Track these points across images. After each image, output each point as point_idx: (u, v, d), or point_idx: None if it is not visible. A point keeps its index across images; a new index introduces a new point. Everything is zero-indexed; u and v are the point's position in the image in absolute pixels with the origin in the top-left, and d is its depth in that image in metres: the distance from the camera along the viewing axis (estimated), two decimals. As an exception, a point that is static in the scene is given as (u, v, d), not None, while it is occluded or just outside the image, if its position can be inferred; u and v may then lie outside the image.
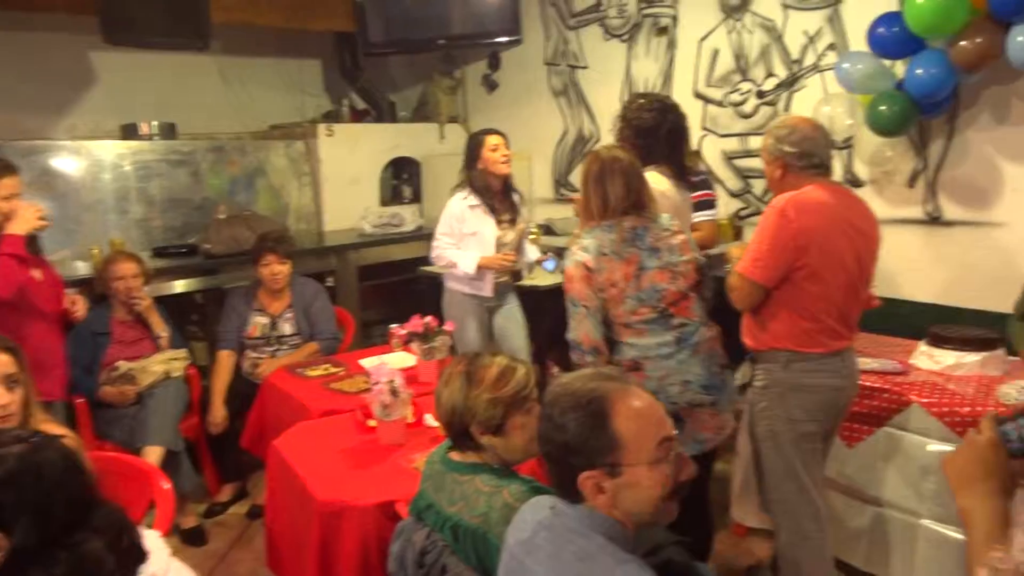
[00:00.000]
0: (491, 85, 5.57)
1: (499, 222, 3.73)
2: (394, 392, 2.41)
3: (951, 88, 3.21)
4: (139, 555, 1.39)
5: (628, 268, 2.44)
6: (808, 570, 2.53)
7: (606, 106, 4.84)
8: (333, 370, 3.30)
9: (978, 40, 3.02)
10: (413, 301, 5.02)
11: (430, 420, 2.63)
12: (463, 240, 3.72)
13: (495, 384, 1.76)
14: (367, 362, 3.32)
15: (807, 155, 2.45)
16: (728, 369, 2.61)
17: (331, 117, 5.60)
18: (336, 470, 2.32)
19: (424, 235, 5.25)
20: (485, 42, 5.32)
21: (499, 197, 3.74)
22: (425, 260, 5.14)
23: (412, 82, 6.11)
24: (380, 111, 5.71)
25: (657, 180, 2.99)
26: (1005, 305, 3.22)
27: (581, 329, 2.46)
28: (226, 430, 3.59)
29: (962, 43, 3.05)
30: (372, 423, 2.58)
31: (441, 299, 3.96)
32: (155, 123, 4.73)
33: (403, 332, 3.12)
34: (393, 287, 5.14)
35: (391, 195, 5.70)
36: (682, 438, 2.36)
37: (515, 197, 3.84)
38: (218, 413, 3.57)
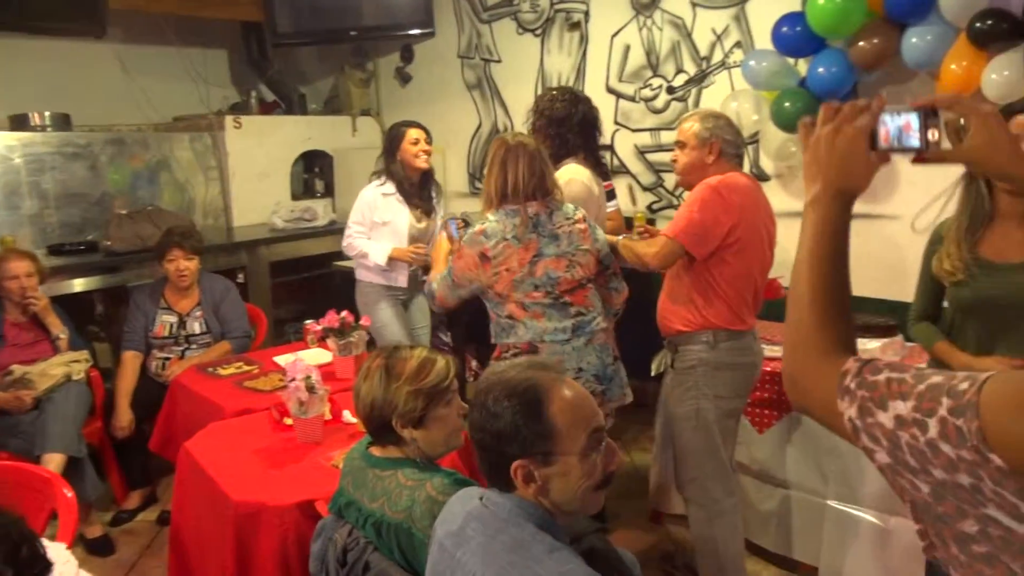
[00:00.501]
0: (404, 78, 5.52)
1: (414, 212, 3.70)
2: (311, 389, 2.36)
3: (851, 86, 3.35)
4: (42, 567, 1.32)
5: (526, 254, 2.46)
6: (723, 546, 2.61)
7: (520, 100, 4.87)
8: (246, 368, 3.21)
9: (875, 40, 3.17)
10: (327, 297, 4.92)
11: (348, 417, 2.59)
12: (375, 230, 3.67)
13: (415, 376, 1.74)
14: (282, 359, 3.24)
15: (735, 144, 2.56)
16: (619, 361, 2.66)
17: (239, 109, 5.43)
18: (252, 470, 2.25)
19: (337, 230, 5.15)
20: (398, 34, 5.27)
21: (415, 189, 3.71)
22: (339, 255, 5.08)
23: (322, 74, 5.99)
24: (290, 103, 5.58)
25: (578, 171, 3.03)
26: (902, 294, 3.39)
27: (443, 290, 2.58)
28: (133, 434, 3.44)
29: (860, 43, 3.20)
30: (288, 421, 2.52)
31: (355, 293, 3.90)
32: (47, 114, 4.47)
33: (319, 328, 3.06)
34: (306, 283, 5.04)
35: (302, 189, 5.59)
36: None
37: (433, 191, 3.81)
38: (124, 416, 3.41)
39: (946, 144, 0.96)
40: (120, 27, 4.89)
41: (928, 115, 0.96)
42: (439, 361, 1.78)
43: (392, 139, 3.68)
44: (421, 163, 3.64)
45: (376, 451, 1.79)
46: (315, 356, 3.20)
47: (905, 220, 3.45)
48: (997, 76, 2.88)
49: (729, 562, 2.63)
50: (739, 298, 2.53)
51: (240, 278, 4.49)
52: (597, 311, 2.55)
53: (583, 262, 2.51)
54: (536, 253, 2.46)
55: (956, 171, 3.23)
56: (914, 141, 0.96)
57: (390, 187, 3.67)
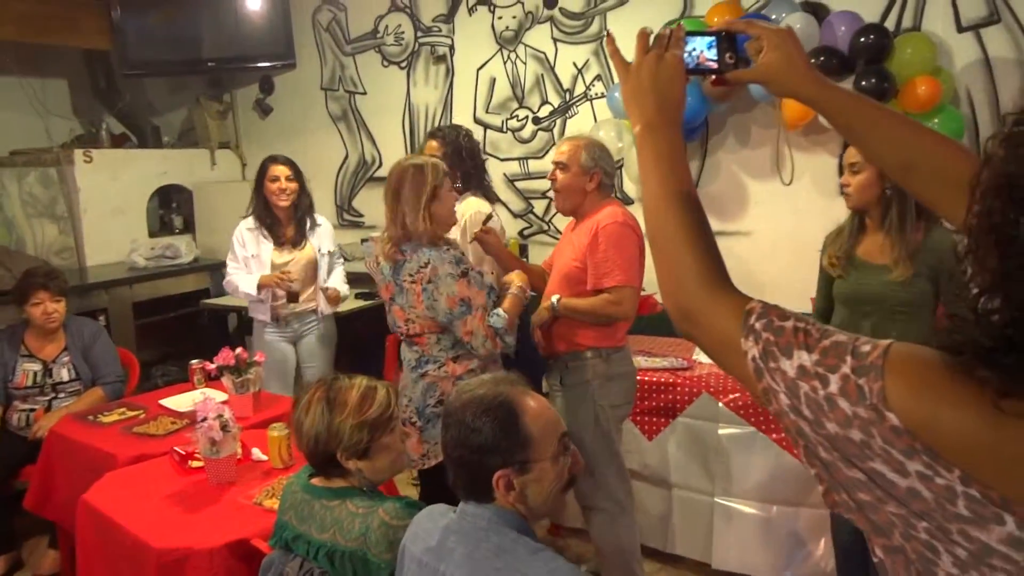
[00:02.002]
0: (264, 110, 5.43)
1: (279, 245, 3.69)
2: (224, 427, 2.31)
3: (704, 115, 3.68)
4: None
5: (386, 293, 2.56)
6: (627, 545, 2.77)
7: (387, 131, 4.93)
8: (131, 413, 3.06)
9: (725, 75, 3.49)
10: (195, 337, 4.76)
11: (258, 454, 2.55)
12: (247, 263, 3.68)
13: (359, 408, 1.77)
14: (170, 402, 3.12)
15: (611, 176, 2.74)
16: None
17: (86, 142, 5.14)
18: (168, 516, 2.18)
19: (202, 267, 5.00)
20: (257, 66, 5.19)
21: (282, 222, 3.70)
22: (207, 293, 4.92)
23: (175, 105, 5.78)
24: (142, 136, 5.35)
25: (481, 204, 3.15)
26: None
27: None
28: (-6, 495, 3.19)
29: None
30: (195, 464, 2.45)
31: (231, 329, 3.83)
32: None
33: (212, 366, 2.97)
34: (171, 323, 4.83)
35: (159, 226, 5.35)
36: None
37: (307, 222, 3.78)
38: (-16, 476, 3.16)
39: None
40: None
41: (722, 39, 1.05)
42: (380, 390, 1.82)
43: (258, 174, 3.69)
44: (279, 200, 3.64)
45: (319, 482, 1.81)
46: (201, 397, 3.11)
47: (754, 236, 3.80)
48: (831, 107, 3.26)
49: (634, 560, 2.79)
50: (627, 319, 2.72)
51: (102, 320, 4.25)
52: (432, 357, 2.52)
53: (418, 320, 2.48)
54: (391, 296, 2.54)
55: (797, 189, 3.61)
56: (712, 64, 1.05)
57: (252, 222, 3.69)
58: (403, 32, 4.79)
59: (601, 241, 2.59)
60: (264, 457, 2.53)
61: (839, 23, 3.32)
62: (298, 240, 3.72)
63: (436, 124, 4.70)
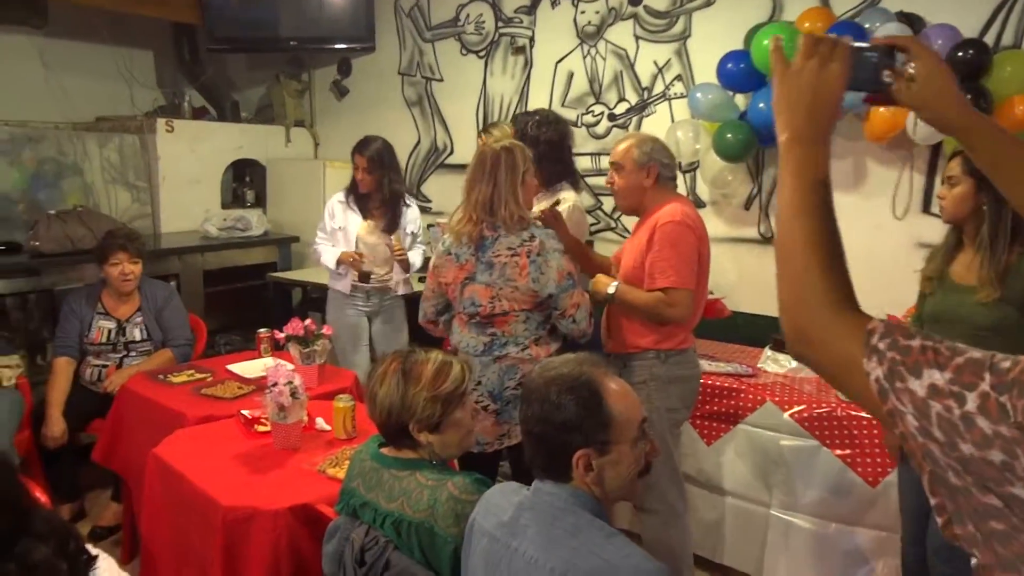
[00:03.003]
0: (341, 91, 5.51)
1: (367, 219, 3.80)
2: (294, 394, 2.35)
3: (786, 122, 3.61)
4: (89, 559, 1.30)
5: (460, 273, 2.54)
6: (679, 550, 2.74)
7: (461, 118, 4.96)
8: (199, 376, 3.13)
9: (812, 81, 3.42)
10: (258, 308, 4.86)
11: (322, 424, 2.58)
12: (334, 236, 3.83)
13: (433, 381, 1.78)
14: (237, 367, 3.19)
15: (671, 168, 2.71)
16: None
17: (168, 112, 5.28)
18: (234, 476, 2.22)
19: (271, 240, 5.10)
20: (338, 47, 5.27)
21: (371, 199, 3.78)
22: (274, 266, 5.01)
23: (255, 82, 5.90)
24: (222, 110, 5.46)
25: (576, 198, 3.16)
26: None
27: (422, 305, 2.72)
28: (64, 445, 3.29)
29: (798, 83, 3.44)
30: (261, 428, 2.50)
31: (295, 303, 3.93)
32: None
33: (281, 335, 3.02)
34: (238, 293, 4.93)
35: (231, 198, 5.47)
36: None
37: (402, 206, 3.85)
38: (56, 426, 3.26)
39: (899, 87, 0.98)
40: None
41: (883, 56, 0.97)
42: (455, 366, 1.83)
43: (352, 154, 3.78)
44: (361, 187, 3.75)
45: (389, 452, 1.82)
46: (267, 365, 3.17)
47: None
48: (921, 120, 3.17)
49: (684, 566, 2.76)
50: (693, 317, 2.68)
51: (173, 285, 4.36)
52: (515, 339, 2.51)
53: (510, 297, 2.47)
54: (468, 276, 2.52)
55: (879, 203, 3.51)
56: (871, 81, 0.97)
57: (344, 195, 3.84)
58: (484, 21, 4.81)
59: (657, 239, 2.56)
60: (328, 427, 2.57)
61: (936, 36, 3.23)
62: (392, 226, 3.78)
63: (511, 114, 4.71)
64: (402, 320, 3.94)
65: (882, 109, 3.29)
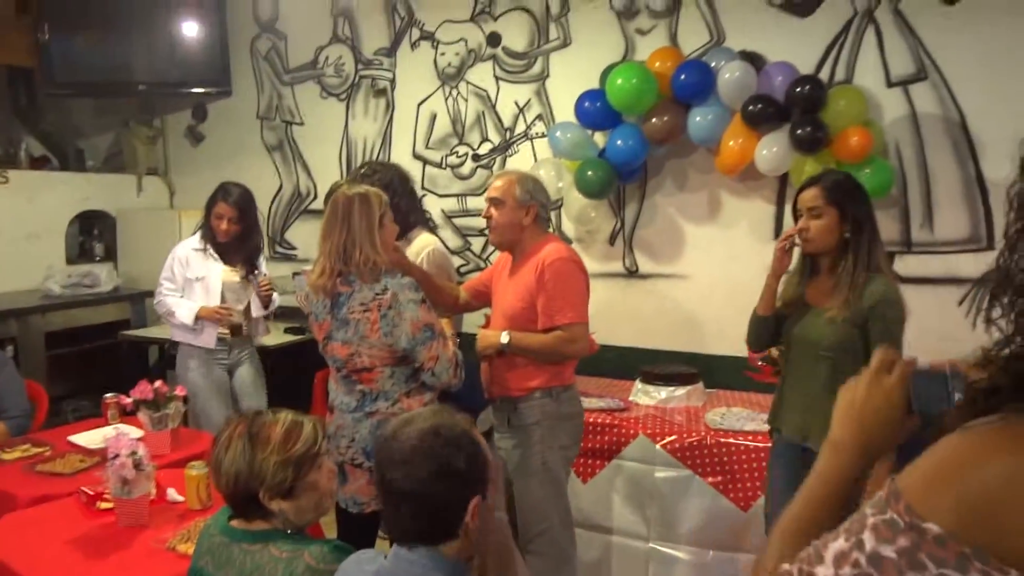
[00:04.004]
0: (197, 137, 5.28)
1: (227, 268, 3.60)
2: (138, 465, 2.16)
3: (644, 158, 3.70)
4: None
5: (320, 332, 2.47)
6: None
7: (324, 162, 4.84)
8: (35, 450, 2.85)
9: (665, 118, 3.54)
10: (110, 371, 4.53)
11: (174, 495, 2.39)
12: (188, 287, 3.55)
13: (283, 444, 1.66)
14: (80, 438, 2.92)
15: (547, 209, 2.72)
16: None
17: (3, 163, 4.89)
18: (72, 562, 2.00)
19: (122, 296, 4.79)
20: (191, 91, 5.05)
21: (232, 247, 3.59)
22: (126, 324, 4.70)
23: (103, 128, 5.57)
24: (65, 159, 5.12)
25: (434, 240, 3.09)
26: (695, 345, 3.77)
27: None
28: None
29: (653, 120, 3.55)
30: (105, 505, 2.28)
31: (151, 362, 3.65)
32: None
33: (128, 400, 2.80)
34: (87, 355, 4.58)
35: (78, 252, 5.11)
36: (344, 494, 2.41)
37: (255, 252, 3.68)
38: None
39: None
40: None
41: (955, 376, 0.86)
42: (306, 425, 1.71)
43: (210, 200, 3.59)
44: (221, 238, 3.55)
45: (239, 524, 1.69)
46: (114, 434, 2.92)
47: (692, 279, 3.82)
48: (767, 152, 3.32)
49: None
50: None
51: (9, 350, 4.01)
52: (384, 394, 2.42)
53: (368, 353, 2.38)
54: (327, 335, 2.44)
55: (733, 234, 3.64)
56: (942, 402, 0.86)
57: (200, 243, 3.58)
58: (344, 64, 4.74)
59: (549, 278, 2.55)
60: (180, 498, 2.38)
61: (776, 73, 3.40)
62: (250, 266, 3.62)
63: (375, 157, 4.64)
64: (260, 369, 3.75)
65: (731, 143, 3.43)
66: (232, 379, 3.65)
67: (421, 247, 3.03)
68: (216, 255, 3.58)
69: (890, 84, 3.47)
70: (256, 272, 3.63)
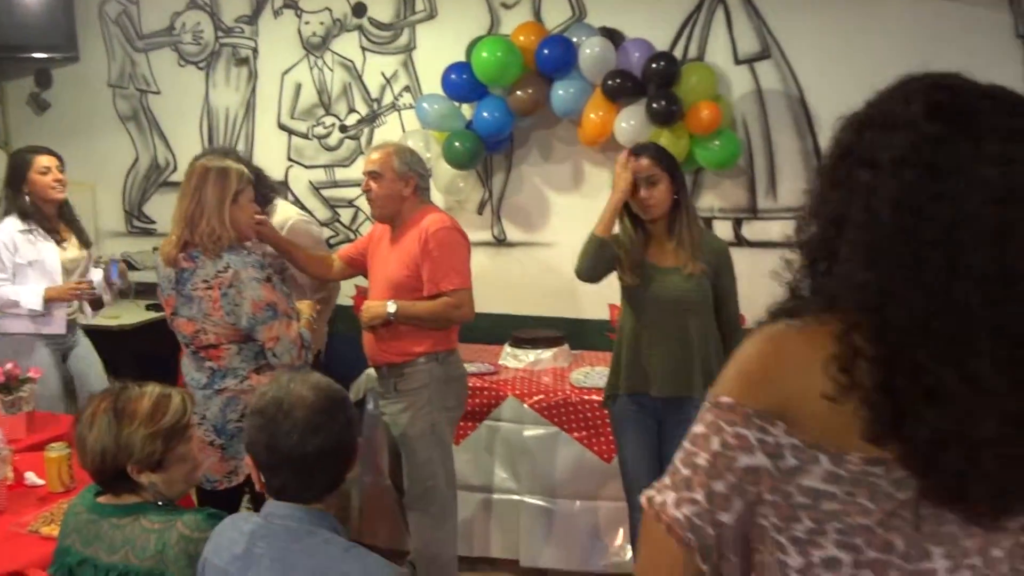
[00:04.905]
0: (41, 105, 4.96)
1: (62, 244, 3.39)
2: (-7, 450, 2.08)
3: (510, 129, 3.80)
4: None
5: (167, 308, 2.47)
6: (447, 550, 2.82)
7: (184, 134, 4.67)
8: None
9: (529, 91, 3.64)
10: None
11: (33, 478, 2.32)
12: (20, 272, 3.28)
13: (151, 417, 1.66)
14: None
15: (426, 179, 2.79)
16: None
17: None
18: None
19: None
20: (31, 56, 4.73)
21: (55, 219, 3.39)
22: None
23: (-69, 96, 5.14)
24: None
25: (296, 211, 3.07)
26: (562, 310, 3.93)
27: None
28: None
29: (517, 92, 3.65)
30: (-43, 492, 2.19)
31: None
32: None
33: (-22, 384, 2.67)
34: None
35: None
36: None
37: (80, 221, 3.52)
38: None
39: None
40: None
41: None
42: (175, 397, 1.72)
43: (16, 169, 3.33)
44: (54, 193, 3.33)
45: (107, 500, 1.68)
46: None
47: (557, 247, 3.96)
48: (626, 125, 3.49)
49: (452, 567, 2.82)
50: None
51: None
52: (233, 371, 2.42)
53: (213, 330, 2.38)
54: (173, 311, 2.44)
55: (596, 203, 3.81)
56: None
57: (25, 224, 3.30)
58: (202, 31, 4.56)
59: (433, 247, 2.62)
60: (41, 481, 2.31)
61: (633, 49, 3.56)
62: (86, 240, 3.46)
63: (238, 128, 4.52)
64: (92, 348, 3.57)
65: (592, 115, 3.57)
66: (68, 361, 3.47)
67: (284, 219, 3.02)
68: (45, 233, 3.33)
69: (738, 61, 3.71)
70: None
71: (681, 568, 0.83)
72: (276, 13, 4.40)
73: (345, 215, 4.42)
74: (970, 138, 0.77)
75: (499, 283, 4.07)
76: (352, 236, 4.39)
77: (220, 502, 2.45)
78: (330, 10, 4.30)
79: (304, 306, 2.63)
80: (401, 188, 2.69)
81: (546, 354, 3.41)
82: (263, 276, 2.36)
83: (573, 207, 3.93)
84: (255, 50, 4.48)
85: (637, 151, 2.56)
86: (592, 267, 2.57)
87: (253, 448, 1.45)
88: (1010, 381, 0.74)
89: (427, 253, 2.61)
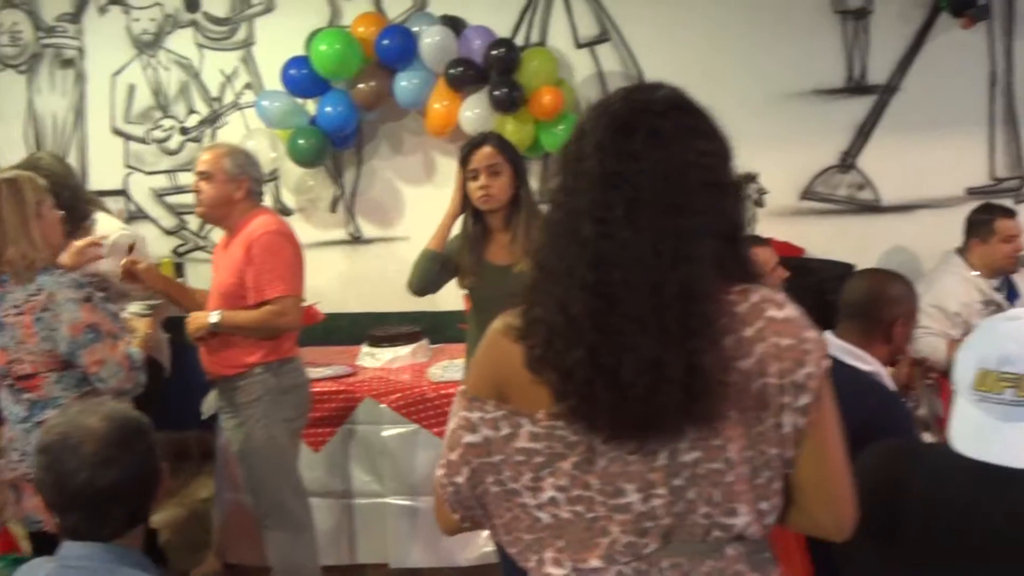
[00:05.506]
0: None
1: None
2: None
3: (355, 124, 3.71)
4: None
5: None
6: (307, 564, 2.71)
7: (5, 142, 4.32)
8: None
9: (372, 83, 3.57)
10: None
11: None
12: None
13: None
14: None
15: (260, 183, 2.67)
16: None
17: None
18: None
19: None
20: None
21: None
22: None
23: None
24: None
25: (118, 224, 2.89)
26: (421, 304, 3.83)
27: None
28: None
29: (360, 85, 3.56)
30: None
31: None
32: None
33: None
34: None
35: None
36: (20, 513, 2.23)
37: None
38: None
39: None
40: None
41: None
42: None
43: None
44: None
45: None
46: None
47: (412, 241, 3.87)
48: (470, 113, 3.46)
49: (312, 582, 2.73)
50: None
51: None
52: (53, 401, 2.19)
53: (29, 359, 2.15)
54: None
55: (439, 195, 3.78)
56: None
57: None
58: (21, 31, 4.24)
59: (256, 252, 2.50)
60: None
61: (474, 37, 3.53)
62: None
63: (67, 134, 4.24)
64: None
65: (437, 105, 3.52)
66: None
67: (105, 234, 2.82)
68: None
69: (579, 46, 3.74)
70: None
71: (447, 515, 1.08)
72: (102, 10, 4.15)
73: (193, 222, 4.21)
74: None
75: (357, 281, 3.99)
76: (200, 243, 4.20)
77: (50, 543, 2.28)
78: (161, 5, 4.09)
79: (141, 324, 2.47)
80: (232, 191, 2.56)
81: (404, 351, 3.35)
82: (81, 296, 2.16)
83: (427, 199, 3.86)
84: (81, 50, 4.21)
85: (480, 140, 2.51)
86: (422, 281, 2.56)
87: (41, 488, 1.35)
88: (643, 329, 0.89)
89: (251, 259, 2.49)
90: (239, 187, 2.58)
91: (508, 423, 0.98)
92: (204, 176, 2.57)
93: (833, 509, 0.98)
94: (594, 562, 0.95)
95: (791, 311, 0.94)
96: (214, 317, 2.51)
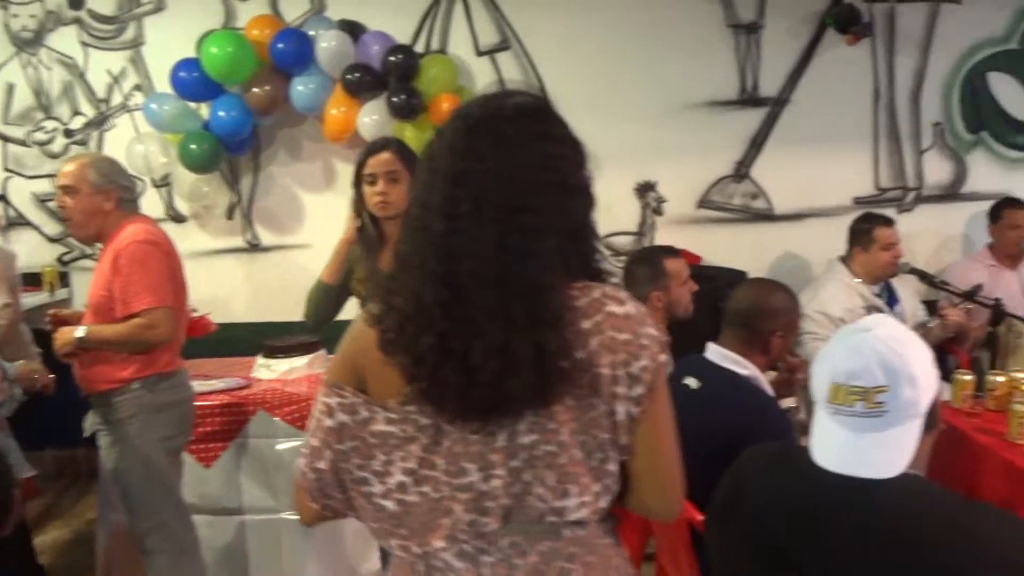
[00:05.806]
0: None
1: None
2: None
3: (250, 129, 3.60)
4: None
5: None
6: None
7: None
8: None
9: (267, 87, 3.47)
10: None
11: None
12: None
13: None
14: None
15: (132, 190, 2.52)
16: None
17: None
18: None
19: None
20: None
21: None
22: None
23: None
24: None
25: None
26: (318, 314, 3.78)
27: None
28: None
29: (255, 89, 3.47)
30: None
31: None
32: None
33: None
34: None
35: None
36: None
37: None
38: None
39: None
40: None
41: None
42: None
43: None
44: None
45: None
46: None
47: (312, 248, 3.79)
48: (368, 120, 3.41)
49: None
50: (176, 340, 2.53)
51: None
52: None
53: None
54: None
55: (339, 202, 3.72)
56: None
57: None
58: None
59: (123, 263, 2.36)
60: None
61: (373, 42, 3.48)
62: None
63: (-63, 137, 3.98)
64: None
65: (334, 111, 3.46)
66: None
67: None
68: None
69: (479, 53, 3.73)
70: None
71: (307, 504, 1.09)
72: (-26, 6, 3.92)
73: (78, 228, 4.01)
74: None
75: (255, 290, 3.88)
76: (88, 250, 4.00)
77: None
78: (42, 1, 3.89)
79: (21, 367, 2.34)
80: (101, 202, 2.43)
81: (300, 361, 3.25)
82: None
83: (326, 206, 3.79)
84: (-48, 47, 3.97)
85: (380, 145, 2.44)
86: (318, 315, 2.50)
87: None
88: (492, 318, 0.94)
89: (117, 270, 2.36)
90: (107, 197, 2.44)
91: (366, 408, 1.01)
92: (68, 191, 2.41)
93: (664, 495, 1.04)
94: (437, 543, 1.00)
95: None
96: (80, 332, 2.38)
